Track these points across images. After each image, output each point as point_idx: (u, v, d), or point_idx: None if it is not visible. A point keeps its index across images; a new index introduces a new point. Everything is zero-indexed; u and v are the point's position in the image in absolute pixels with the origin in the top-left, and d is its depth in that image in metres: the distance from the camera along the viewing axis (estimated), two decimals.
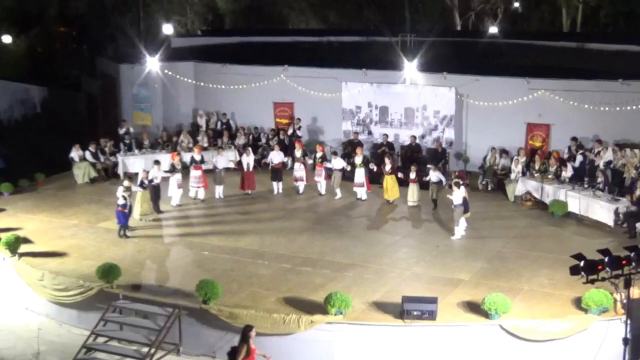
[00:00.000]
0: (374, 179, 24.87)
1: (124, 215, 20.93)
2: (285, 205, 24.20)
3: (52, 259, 19.08)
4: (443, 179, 23.35)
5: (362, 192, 24.47)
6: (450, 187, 21.18)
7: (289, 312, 15.68)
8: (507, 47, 32.72)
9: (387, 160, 23.92)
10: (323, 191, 25.06)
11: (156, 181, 22.84)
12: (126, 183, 21.52)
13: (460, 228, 20.70)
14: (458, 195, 20.52)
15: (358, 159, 24.50)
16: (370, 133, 28.28)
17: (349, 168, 24.61)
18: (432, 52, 27.65)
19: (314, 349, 15.32)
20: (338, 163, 24.66)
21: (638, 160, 22.79)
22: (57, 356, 16.40)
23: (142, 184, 22.31)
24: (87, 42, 47.79)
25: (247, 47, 34.47)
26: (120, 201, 20.83)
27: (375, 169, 24.42)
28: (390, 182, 23.73)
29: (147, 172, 22.65)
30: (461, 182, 20.91)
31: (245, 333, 13.52)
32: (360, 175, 24.37)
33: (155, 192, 22.96)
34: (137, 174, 24.27)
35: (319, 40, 36.47)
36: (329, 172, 24.96)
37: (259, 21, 49.38)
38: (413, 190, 23.55)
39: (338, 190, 24.67)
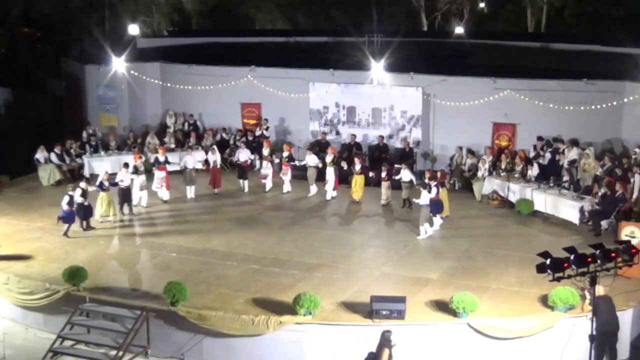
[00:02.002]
0: (343, 178, 25.02)
1: (69, 214, 20.88)
2: (254, 206, 24.16)
3: (17, 262, 18.86)
4: (413, 178, 23.44)
5: (330, 191, 24.57)
6: (421, 186, 21.16)
7: (257, 313, 15.64)
8: (473, 48, 32.92)
9: (357, 160, 24.07)
10: (289, 189, 25.27)
11: (124, 184, 22.65)
12: (82, 184, 21.47)
13: (426, 228, 20.75)
14: (425, 196, 20.62)
15: (328, 158, 24.65)
16: (338, 133, 28.32)
17: (320, 165, 24.79)
18: (398, 53, 27.71)
19: (284, 349, 15.30)
20: (312, 160, 24.84)
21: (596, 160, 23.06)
22: None
23: (101, 186, 22.11)
24: (52, 43, 47.09)
25: (214, 48, 34.27)
26: (65, 199, 20.81)
27: (345, 167, 24.60)
28: (359, 182, 23.88)
29: (109, 175, 22.44)
30: (433, 184, 20.94)
31: (387, 337, 13.12)
32: (329, 173, 24.54)
33: (125, 194, 22.77)
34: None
35: (286, 40, 36.39)
36: (296, 171, 25.37)
37: (225, 22, 49.15)
38: (385, 189, 23.67)
39: (313, 187, 24.94)
